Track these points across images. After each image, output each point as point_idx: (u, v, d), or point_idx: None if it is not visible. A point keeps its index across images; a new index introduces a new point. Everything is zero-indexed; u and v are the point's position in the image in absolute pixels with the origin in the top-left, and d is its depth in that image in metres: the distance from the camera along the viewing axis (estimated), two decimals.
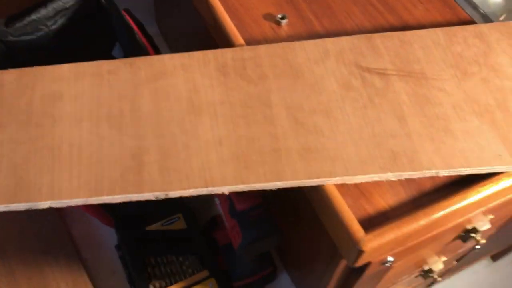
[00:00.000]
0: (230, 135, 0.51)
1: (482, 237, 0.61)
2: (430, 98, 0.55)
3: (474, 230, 0.59)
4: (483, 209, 0.56)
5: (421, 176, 0.50)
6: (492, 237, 0.73)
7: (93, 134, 0.51)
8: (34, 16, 0.68)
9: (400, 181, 0.53)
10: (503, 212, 0.62)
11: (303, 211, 0.61)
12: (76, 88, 0.54)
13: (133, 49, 0.70)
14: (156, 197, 0.49)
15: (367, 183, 0.52)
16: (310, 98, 0.54)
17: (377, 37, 0.60)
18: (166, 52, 0.59)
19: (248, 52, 0.58)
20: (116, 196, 0.48)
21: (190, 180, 0.49)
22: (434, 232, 0.53)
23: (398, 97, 0.55)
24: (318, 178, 0.49)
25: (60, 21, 0.71)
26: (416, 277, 0.72)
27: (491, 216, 0.59)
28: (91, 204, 0.58)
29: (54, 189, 0.48)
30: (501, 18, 0.73)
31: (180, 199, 0.70)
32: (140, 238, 0.79)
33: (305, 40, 0.59)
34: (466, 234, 0.60)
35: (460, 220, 0.55)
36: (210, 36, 0.67)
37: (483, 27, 0.62)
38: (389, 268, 0.56)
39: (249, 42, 0.62)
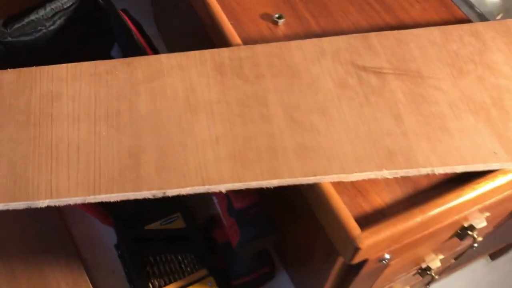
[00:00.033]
0: (226, 133, 0.52)
1: (479, 235, 0.61)
2: (426, 97, 0.55)
3: (471, 228, 0.59)
4: (479, 206, 0.56)
5: (416, 173, 0.51)
6: (489, 235, 0.73)
7: (91, 133, 0.52)
8: (32, 17, 0.68)
9: (396, 179, 0.53)
10: (500, 209, 0.62)
11: (300, 209, 0.61)
12: (74, 88, 0.55)
13: (131, 50, 0.70)
14: (154, 196, 0.49)
15: (364, 181, 0.52)
16: (307, 97, 0.55)
17: (373, 36, 0.60)
18: (164, 52, 0.59)
19: (245, 51, 0.58)
20: (114, 195, 0.48)
21: (187, 178, 0.49)
22: (431, 230, 0.53)
23: (394, 96, 0.55)
24: (315, 176, 0.49)
25: (58, 22, 0.71)
26: (414, 275, 0.72)
27: (488, 214, 0.59)
28: (90, 204, 0.58)
29: (53, 188, 0.48)
30: (498, 17, 0.74)
31: (178, 198, 0.71)
32: (139, 237, 0.79)
33: (301, 40, 0.59)
34: (462, 232, 0.60)
35: (456, 217, 0.55)
36: (208, 36, 0.68)
37: (479, 26, 0.62)
38: (386, 265, 0.56)
39: (246, 41, 0.62)
